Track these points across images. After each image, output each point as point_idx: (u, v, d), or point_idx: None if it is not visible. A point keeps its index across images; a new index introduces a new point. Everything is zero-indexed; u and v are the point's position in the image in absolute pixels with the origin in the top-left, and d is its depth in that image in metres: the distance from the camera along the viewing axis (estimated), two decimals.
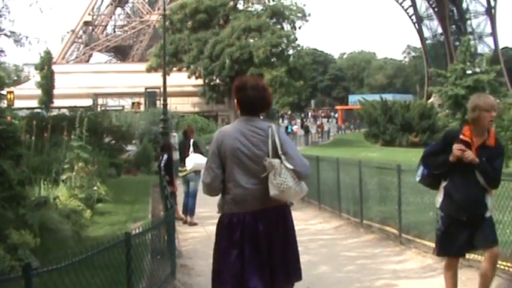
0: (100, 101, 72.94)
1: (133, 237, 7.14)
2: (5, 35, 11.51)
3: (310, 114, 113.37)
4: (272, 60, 70.26)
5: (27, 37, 11.92)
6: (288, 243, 5.69)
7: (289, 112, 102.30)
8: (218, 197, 5.85)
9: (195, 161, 15.68)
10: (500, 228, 9.11)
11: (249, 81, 5.80)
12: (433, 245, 10.72)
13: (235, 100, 5.79)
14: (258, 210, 5.53)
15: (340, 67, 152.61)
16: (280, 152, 5.52)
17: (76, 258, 5.79)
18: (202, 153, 16.16)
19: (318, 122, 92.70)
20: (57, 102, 64.16)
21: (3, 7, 12.65)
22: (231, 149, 5.54)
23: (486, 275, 6.91)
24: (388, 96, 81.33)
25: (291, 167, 5.50)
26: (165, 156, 16.74)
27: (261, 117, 5.80)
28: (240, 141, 5.55)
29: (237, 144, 5.54)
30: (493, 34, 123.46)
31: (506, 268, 8.68)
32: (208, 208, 17.56)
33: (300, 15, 74.44)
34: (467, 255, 9.71)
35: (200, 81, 73.88)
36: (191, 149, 15.84)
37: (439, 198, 7.19)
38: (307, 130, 72.15)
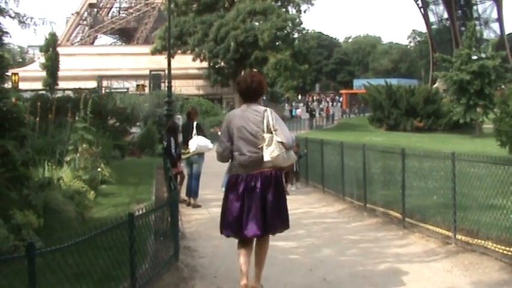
0: (105, 83, 72.85)
1: (137, 218, 7.16)
2: (10, 16, 11.40)
3: (314, 98, 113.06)
4: (277, 43, 70.06)
5: (32, 18, 11.83)
6: (278, 199, 7.54)
7: (299, 96, 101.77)
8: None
9: (198, 143, 15.68)
10: (504, 213, 9.13)
11: (247, 76, 7.90)
12: (436, 229, 10.77)
13: (238, 92, 7.93)
14: (256, 172, 7.47)
15: (345, 51, 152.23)
16: (272, 129, 7.47)
17: (79, 239, 5.81)
18: (205, 136, 16.16)
19: (321, 106, 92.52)
20: (61, 84, 64.05)
21: None
22: (237, 127, 7.55)
23: None
24: (393, 81, 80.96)
25: (279, 139, 7.44)
26: (172, 140, 16.66)
27: (261, 103, 7.72)
28: (243, 121, 7.56)
29: (241, 123, 7.55)
30: (499, 20, 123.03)
31: (510, 253, 8.68)
32: (211, 190, 17.66)
33: None
34: (470, 240, 9.75)
35: (205, 64, 73.74)
36: (194, 131, 15.82)
37: None
38: (312, 114, 72.04)
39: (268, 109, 7.65)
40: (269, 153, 7.39)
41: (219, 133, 8.17)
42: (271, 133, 7.44)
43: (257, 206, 7.36)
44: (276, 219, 7.49)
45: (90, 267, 6.29)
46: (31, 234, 8.48)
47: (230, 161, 7.77)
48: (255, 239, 7.62)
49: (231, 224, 7.54)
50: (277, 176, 7.55)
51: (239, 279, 7.56)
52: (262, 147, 7.44)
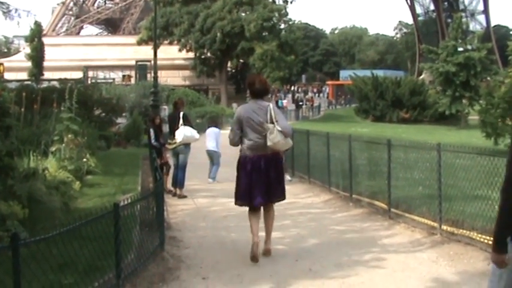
0: (90, 73, 72.72)
1: (122, 208, 7.13)
2: None
3: (299, 89, 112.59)
4: (263, 34, 70.08)
5: (16, 9, 11.75)
6: (278, 175, 9.48)
7: (289, 87, 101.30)
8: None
9: (185, 133, 15.66)
10: (489, 204, 9.16)
11: (256, 78, 9.66)
12: (422, 220, 10.80)
13: (248, 91, 9.64)
14: (261, 154, 9.25)
15: (332, 42, 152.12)
16: (274, 120, 9.20)
17: (64, 229, 5.78)
18: (192, 126, 16.13)
19: (307, 96, 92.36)
20: (47, 75, 63.88)
21: None
22: (246, 118, 9.27)
23: None
24: (379, 72, 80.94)
25: (279, 128, 9.16)
26: (152, 132, 16.65)
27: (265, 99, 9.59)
28: (251, 113, 9.28)
29: (249, 115, 9.27)
30: (485, 12, 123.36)
31: None
32: (197, 181, 17.68)
33: None
34: (455, 231, 9.78)
35: (191, 55, 73.68)
36: (181, 121, 15.79)
37: None
38: (298, 105, 72.00)
39: (270, 104, 9.51)
40: (271, 139, 9.11)
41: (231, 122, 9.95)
42: (273, 123, 9.16)
43: (262, 181, 9.20)
44: (277, 191, 9.44)
45: (75, 258, 6.27)
46: (15, 225, 8.43)
47: (240, 144, 9.48)
48: (262, 208, 9.48)
49: (242, 196, 9.35)
50: (277, 157, 9.47)
51: (251, 239, 9.09)
52: (266, 134, 9.13)
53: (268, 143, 9.13)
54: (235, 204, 9.61)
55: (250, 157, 9.27)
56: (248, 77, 10.57)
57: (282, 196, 9.62)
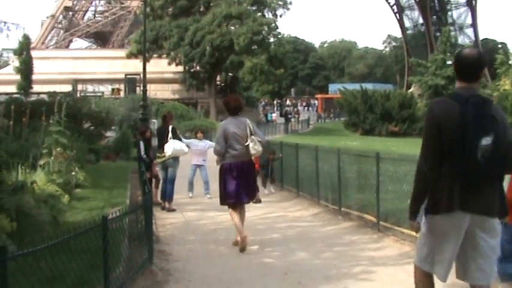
0: (80, 87, 72.55)
1: (110, 221, 7.12)
2: None
3: (288, 102, 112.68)
4: (253, 47, 70.03)
5: (5, 23, 11.74)
6: (254, 178, 11.71)
7: (280, 101, 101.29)
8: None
9: (174, 147, 15.67)
10: None
11: (230, 98, 11.72)
12: (410, 233, 10.80)
13: (226, 109, 11.48)
14: (243, 160, 11.09)
15: (321, 56, 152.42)
16: (253, 132, 11.15)
17: (52, 242, 5.76)
18: (181, 140, 16.14)
19: (295, 109, 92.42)
20: (36, 88, 63.69)
21: None
22: (232, 132, 10.98)
23: None
24: (369, 86, 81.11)
25: (258, 139, 11.16)
26: (142, 144, 16.64)
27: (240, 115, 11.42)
28: (235, 128, 11.03)
29: (233, 129, 11.01)
30: (474, 25, 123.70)
31: None
32: (186, 194, 17.64)
33: (281, 3, 74.12)
34: None
35: (180, 68, 73.61)
36: (170, 135, 15.80)
37: None
38: (287, 118, 72.05)
39: (247, 120, 11.39)
40: (256, 148, 11.07)
41: (217, 136, 11.40)
42: (252, 135, 11.08)
43: (244, 182, 11.10)
44: (255, 190, 11.83)
45: (63, 271, 6.24)
46: (3, 238, 8.38)
47: (224, 153, 11.11)
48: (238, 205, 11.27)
49: (231, 196, 11.08)
50: (252, 163, 11.58)
51: (238, 234, 10.95)
52: (247, 144, 11.00)
53: (252, 152, 11.09)
54: (223, 203, 11.45)
55: (234, 163, 11.06)
56: (224, 98, 12.27)
57: (256, 195, 12.32)
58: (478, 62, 5.58)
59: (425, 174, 5.60)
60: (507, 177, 6.50)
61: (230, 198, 11.12)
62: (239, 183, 11.03)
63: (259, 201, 16.10)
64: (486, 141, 5.27)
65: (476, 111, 5.33)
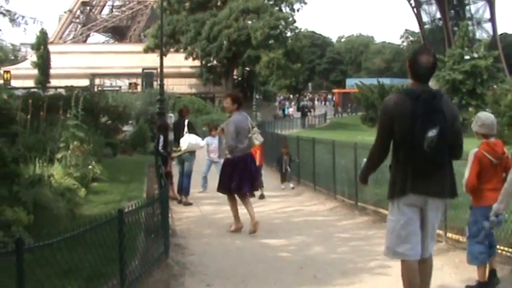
0: (97, 81, 72.83)
1: (126, 214, 7.13)
2: (1, 13, 11.38)
3: (306, 97, 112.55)
4: (270, 42, 69.96)
5: (23, 17, 11.79)
6: (257, 170, 13.23)
7: (301, 95, 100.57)
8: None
9: (189, 141, 15.68)
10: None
11: (238, 95, 12.69)
12: None
13: (238, 104, 12.05)
14: (247, 153, 11.98)
15: (338, 50, 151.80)
16: (253, 125, 12.20)
17: (68, 235, 5.79)
18: (197, 134, 16.14)
19: (310, 103, 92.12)
20: (54, 82, 63.97)
21: None
22: (241, 127, 11.76)
23: None
24: (386, 80, 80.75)
25: (258, 131, 12.35)
26: (161, 137, 16.64)
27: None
28: (242, 122, 11.87)
29: (242, 123, 11.83)
30: (492, 20, 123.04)
31: (500, 251, 8.71)
32: (202, 188, 17.64)
33: None
34: (461, 238, 9.76)
35: (197, 63, 73.66)
36: (186, 129, 15.80)
37: None
38: (304, 113, 71.87)
39: (246, 114, 12.34)
40: (259, 139, 12.24)
41: (228, 131, 11.92)
42: (253, 128, 12.12)
43: (247, 174, 11.81)
44: (257, 182, 13.26)
45: (79, 264, 6.28)
46: (21, 231, 8.44)
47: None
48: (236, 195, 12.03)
49: (234, 187, 11.75)
50: (253, 155, 12.65)
51: (235, 223, 11.95)
52: (250, 136, 11.92)
53: (256, 142, 12.23)
54: (224, 192, 12.14)
55: (242, 157, 11.79)
56: (234, 94, 13.15)
57: (257, 187, 14.10)
58: (433, 67, 6.24)
59: (376, 157, 6.60)
60: (469, 163, 7.85)
61: (230, 188, 11.86)
62: (243, 175, 11.73)
63: (263, 197, 16.62)
64: (432, 133, 5.91)
65: (425, 106, 5.97)
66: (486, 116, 8.18)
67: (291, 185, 19.23)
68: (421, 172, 6.09)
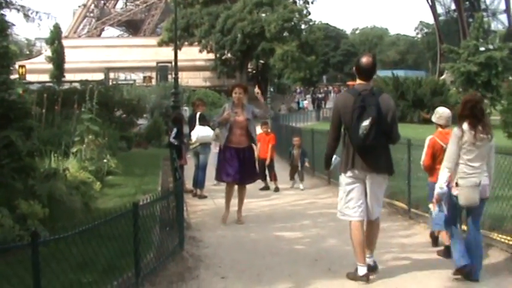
0: (112, 75, 72.89)
1: (141, 207, 7.16)
2: (16, 9, 11.39)
3: (321, 90, 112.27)
4: (284, 34, 69.94)
5: (37, 12, 11.80)
6: (254, 161, 12.94)
7: (316, 88, 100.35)
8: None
9: (198, 133, 15.68)
10: (510, 204, 9.13)
11: (246, 86, 13.25)
12: None
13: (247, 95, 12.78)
14: (243, 147, 12.22)
15: (353, 43, 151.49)
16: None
17: (83, 228, 5.82)
18: (209, 126, 16.06)
19: (322, 95, 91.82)
20: (68, 76, 64.10)
21: None
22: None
23: None
24: (400, 73, 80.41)
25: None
26: (175, 130, 16.65)
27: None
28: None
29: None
30: (507, 11, 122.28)
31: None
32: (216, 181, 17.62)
33: None
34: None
35: (212, 56, 73.73)
36: (197, 122, 15.81)
37: None
38: (319, 105, 71.72)
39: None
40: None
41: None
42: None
43: (242, 165, 12.13)
44: (253, 174, 12.76)
45: (94, 257, 6.31)
46: (36, 224, 8.50)
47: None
48: (236, 186, 12.52)
49: (229, 174, 12.18)
50: (252, 147, 12.73)
51: (224, 211, 12.43)
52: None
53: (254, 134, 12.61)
54: (221, 180, 12.77)
55: (238, 148, 12.22)
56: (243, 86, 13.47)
57: (256, 178, 13.40)
58: (373, 67, 7.97)
59: (330, 144, 8.30)
60: (425, 147, 9.66)
61: (228, 176, 12.38)
62: (242, 166, 12.25)
63: (277, 190, 17.03)
64: (366, 122, 7.56)
65: (363, 101, 7.66)
66: (443, 110, 9.83)
67: (301, 186, 17.86)
68: (358, 152, 7.84)
